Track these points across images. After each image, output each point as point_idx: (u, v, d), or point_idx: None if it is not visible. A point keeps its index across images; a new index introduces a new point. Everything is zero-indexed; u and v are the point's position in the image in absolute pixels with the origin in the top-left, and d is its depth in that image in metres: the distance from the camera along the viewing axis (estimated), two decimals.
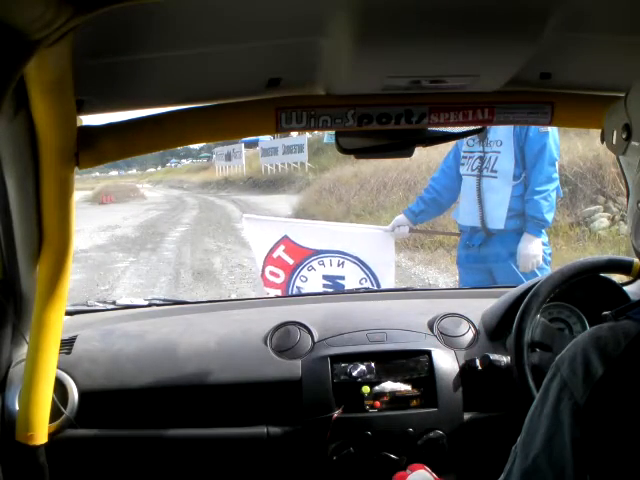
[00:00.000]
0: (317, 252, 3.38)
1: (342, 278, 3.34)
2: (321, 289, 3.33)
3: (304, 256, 3.38)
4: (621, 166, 0.85)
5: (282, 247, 3.39)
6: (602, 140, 0.86)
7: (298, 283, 3.37)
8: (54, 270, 1.22)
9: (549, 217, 3.10)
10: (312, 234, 3.48)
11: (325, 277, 3.37)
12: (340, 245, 3.36)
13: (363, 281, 3.32)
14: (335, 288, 3.31)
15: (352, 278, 3.33)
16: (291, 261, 3.38)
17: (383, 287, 3.26)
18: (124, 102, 1.24)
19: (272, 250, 3.40)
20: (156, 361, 1.52)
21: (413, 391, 1.45)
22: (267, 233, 3.46)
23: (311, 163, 19.64)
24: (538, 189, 3.04)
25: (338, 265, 3.35)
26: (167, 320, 1.73)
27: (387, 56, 1.01)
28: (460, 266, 3.51)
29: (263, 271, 3.43)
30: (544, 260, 3.11)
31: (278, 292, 3.37)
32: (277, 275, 3.39)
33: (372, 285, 3.31)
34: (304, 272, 3.38)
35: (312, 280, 3.36)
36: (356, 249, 3.36)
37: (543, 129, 2.98)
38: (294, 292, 3.35)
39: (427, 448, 1.42)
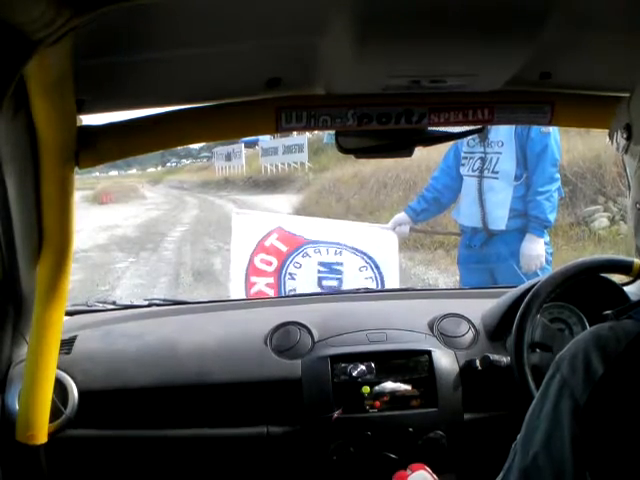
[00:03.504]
0: (313, 241, 3.18)
1: (340, 264, 3.13)
2: (316, 277, 3.13)
3: (299, 244, 3.17)
4: (624, 165, 0.86)
5: (275, 235, 3.19)
6: (610, 137, 0.86)
7: (291, 269, 3.15)
8: (54, 270, 1.22)
9: (552, 217, 3.11)
10: (308, 226, 3.31)
11: (321, 264, 3.15)
12: (338, 238, 3.17)
13: (364, 269, 3.12)
14: (332, 275, 3.12)
15: (351, 266, 3.12)
16: (284, 248, 3.17)
17: (386, 281, 3.09)
18: (124, 102, 1.24)
19: (264, 238, 3.18)
20: (156, 361, 1.52)
21: (413, 391, 1.45)
22: (259, 224, 3.25)
23: (311, 163, 19.60)
24: (541, 190, 3.05)
25: (335, 254, 3.15)
26: (167, 320, 1.73)
27: (387, 56, 1.01)
28: (461, 266, 3.51)
29: (251, 260, 3.17)
30: (546, 260, 3.12)
31: (269, 280, 3.14)
32: (269, 263, 3.16)
33: (374, 274, 3.11)
34: (298, 259, 3.16)
35: (306, 267, 3.14)
36: (356, 243, 3.16)
37: (545, 129, 2.98)
38: (286, 279, 3.14)
39: (427, 448, 1.42)
